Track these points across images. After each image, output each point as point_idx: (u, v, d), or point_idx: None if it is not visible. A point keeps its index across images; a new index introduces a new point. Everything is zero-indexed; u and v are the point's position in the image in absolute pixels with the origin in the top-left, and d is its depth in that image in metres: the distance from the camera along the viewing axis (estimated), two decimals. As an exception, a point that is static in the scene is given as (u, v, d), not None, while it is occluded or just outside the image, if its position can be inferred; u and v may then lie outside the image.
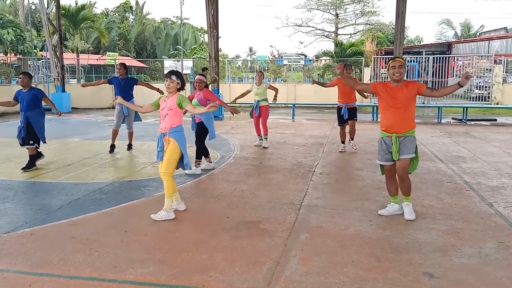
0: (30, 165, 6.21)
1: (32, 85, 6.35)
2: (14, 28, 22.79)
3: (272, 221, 4.12)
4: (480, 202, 4.76)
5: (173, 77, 4.16)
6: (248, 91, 8.34)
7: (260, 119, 8.34)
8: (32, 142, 6.24)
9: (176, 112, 4.18)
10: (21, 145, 6.31)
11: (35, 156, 6.30)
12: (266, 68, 28.10)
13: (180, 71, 21.97)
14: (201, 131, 6.20)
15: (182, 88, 4.24)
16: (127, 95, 7.56)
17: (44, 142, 6.39)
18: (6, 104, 6.35)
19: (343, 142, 7.86)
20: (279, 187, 5.35)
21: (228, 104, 6.65)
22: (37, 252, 3.39)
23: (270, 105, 8.57)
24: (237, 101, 8.48)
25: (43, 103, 6.40)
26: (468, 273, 3.07)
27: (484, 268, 3.15)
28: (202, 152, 6.24)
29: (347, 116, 7.62)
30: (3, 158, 6.80)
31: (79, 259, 3.26)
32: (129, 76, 7.90)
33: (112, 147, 7.69)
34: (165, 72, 22.56)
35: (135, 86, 7.79)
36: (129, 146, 7.86)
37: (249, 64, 31.16)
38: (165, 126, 4.18)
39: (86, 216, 4.25)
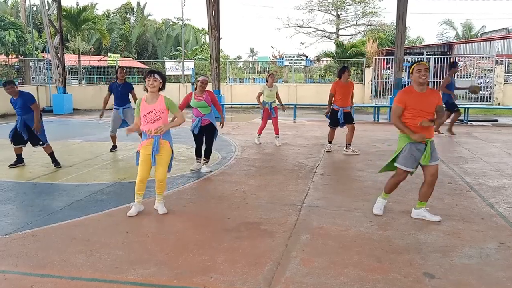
0: (56, 163, 6.48)
1: (21, 90, 6.34)
2: (15, 30, 22.82)
3: (273, 222, 4.12)
4: (481, 202, 4.76)
5: (156, 76, 4.08)
6: (260, 94, 8.46)
7: (272, 119, 8.54)
8: (41, 142, 6.42)
9: (167, 114, 4.13)
10: (16, 144, 6.42)
11: (52, 153, 6.53)
12: (267, 69, 28.10)
13: (182, 72, 22.09)
14: (211, 131, 6.21)
15: (163, 87, 4.18)
16: (125, 101, 7.71)
17: (46, 142, 6.49)
18: None
19: (330, 142, 7.90)
20: (280, 188, 5.35)
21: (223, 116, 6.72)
22: (39, 253, 3.40)
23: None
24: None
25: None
26: (468, 273, 3.07)
27: (485, 269, 3.15)
28: (210, 151, 6.29)
29: (343, 120, 7.54)
30: (4, 159, 6.82)
31: (80, 260, 3.27)
32: (126, 81, 7.98)
33: (114, 147, 7.85)
34: (166, 73, 22.68)
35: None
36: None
37: (250, 65, 31.19)
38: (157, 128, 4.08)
39: (87, 217, 4.27)
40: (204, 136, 6.26)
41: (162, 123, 4.10)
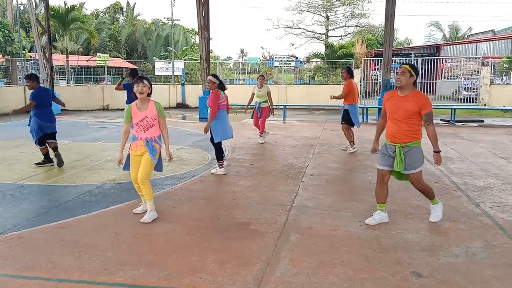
0: (41, 163, 6.55)
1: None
2: (2, 29, 22.54)
3: (262, 222, 4.14)
4: (467, 202, 4.83)
5: (145, 82, 4.10)
6: (253, 94, 8.90)
7: (260, 117, 8.85)
8: (35, 142, 6.52)
9: (157, 120, 4.13)
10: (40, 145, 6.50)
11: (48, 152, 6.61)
12: (257, 70, 28.14)
13: (171, 73, 22.00)
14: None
15: (151, 93, 4.18)
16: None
17: (36, 141, 6.55)
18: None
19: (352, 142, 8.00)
20: (270, 189, 5.37)
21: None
22: (26, 256, 3.36)
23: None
24: (246, 111, 9.23)
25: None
26: (455, 272, 3.12)
27: (471, 267, 3.20)
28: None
29: (342, 117, 7.96)
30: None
31: (68, 262, 3.24)
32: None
33: None
34: (156, 74, 22.53)
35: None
36: None
37: (241, 66, 31.21)
38: (151, 136, 4.09)
39: (75, 219, 4.23)
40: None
41: (154, 131, 4.11)
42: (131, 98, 7.64)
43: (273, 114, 9.10)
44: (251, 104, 9.12)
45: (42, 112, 6.36)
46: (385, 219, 4.10)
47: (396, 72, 4.00)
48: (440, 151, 3.98)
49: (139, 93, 4.07)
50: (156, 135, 4.14)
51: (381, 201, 4.10)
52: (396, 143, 3.89)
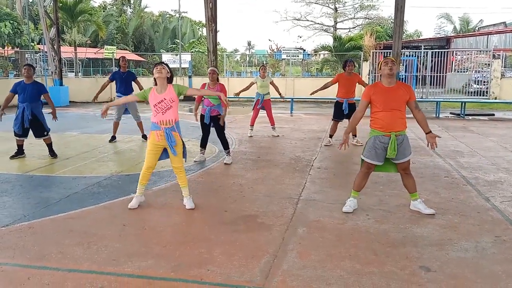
0: (53, 153, 6.61)
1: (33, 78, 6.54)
2: (11, 21, 22.57)
3: (270, 215, 4.13)
4: (477, 196, 4.78)
5: (164, 65, 4.20)
6: (252, 83, 8.80)
7: (266, 111, 8.84)
8: (46, 133, 6.54)
9: (177, 103, 4.21)
10: (19, 136, 6.47)
11: (51, 143, 6.66)
12: (265, 62, 28.03)
13: (178, 65, 21.99)
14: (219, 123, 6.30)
15: (171, 79, 4.25)
16: (129, 89, 7.97)
17: (49, 130, 6.62)
18: (6, 103, 6.50)
19: (331, 136, 7.91)
20: (277, 181, 5.36)
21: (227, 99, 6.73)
22: (36, 246, 3.40)
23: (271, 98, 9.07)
24: (237, 95, 9.11)
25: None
26: (464, 267, 3.09)
27: (480, 262, 3.17)
28: (226, 142, 6.45)
29: (347, 111, 7.63)
30: (1, 151, 6.79)
31: (78, 253, 3.27)
32: (129, 70, 8.30)
33: (113, 138, 8.05)
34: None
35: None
36: (144, 137, 7.91)
37: (248, 58, 31.12)
38: (169, 119, 4.14)
39: (84, 210, 4.26)
40: (214, 128, 6.36)
41: (173, 112, 4.17)
42: (122, 87, 7.84)
43: (282, 98, 9.11)
44: (252, 96, 9.12)
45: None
46: (356, 206, 4.27)
47: (385, 63, 4.08)
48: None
49: (158, 73, 4.11)
50: (174, 118, 4.18)
51: (358, 190, 4.30)
52: (391, 131, 4.03)
